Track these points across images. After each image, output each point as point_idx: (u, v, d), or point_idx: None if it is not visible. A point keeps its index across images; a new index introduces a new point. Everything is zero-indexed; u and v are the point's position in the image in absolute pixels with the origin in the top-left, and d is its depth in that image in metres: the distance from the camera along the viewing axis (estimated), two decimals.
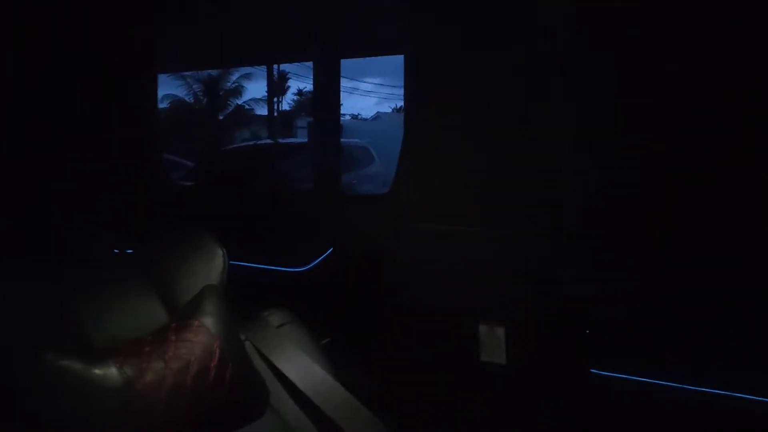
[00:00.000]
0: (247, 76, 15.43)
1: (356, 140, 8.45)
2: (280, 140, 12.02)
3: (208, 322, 1.29)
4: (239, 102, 15.62)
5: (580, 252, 1.63)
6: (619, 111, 1.63)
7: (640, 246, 1.61)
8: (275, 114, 16.01)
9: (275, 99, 15.83)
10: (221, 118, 15.53)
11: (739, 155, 1.50)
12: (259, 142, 11.45)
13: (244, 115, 15.64)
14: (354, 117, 17.87)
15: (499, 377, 1.56)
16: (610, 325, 1.60)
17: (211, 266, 1.46)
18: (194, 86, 14.95)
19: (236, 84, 15.49)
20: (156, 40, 2.44)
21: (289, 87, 18.36)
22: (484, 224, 1.58)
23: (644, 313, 1.59)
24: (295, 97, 19.65)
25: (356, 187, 6.87)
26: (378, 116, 18.84)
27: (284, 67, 16.09)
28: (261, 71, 15.06)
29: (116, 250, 1.99)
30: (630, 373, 1.55)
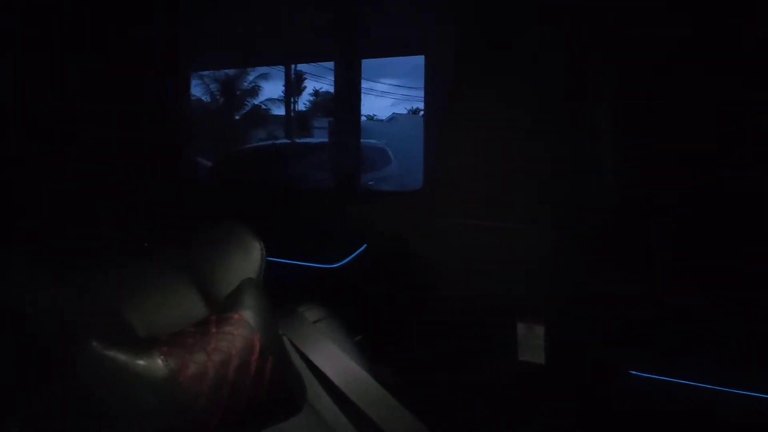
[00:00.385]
0: (264, 76, 15.50)
1: (374, 141, 8.46)
2: (303, 140, 12.04)
3: (248, 315, 1.29)
4: (256, 102, 15.70)
5: (618, 250, 1.61)
6: (655, 111, 1.61)
7: (677, 245, 1.59)
8: (292, 114, 16.06)
9: (292, 99, 15.87)
10: (238, 117, 15.60)
11: None
12: (279, 141, 11.50)
13: (261, 115, 15.70)
14: (370, 118, 17.88)
15: (538, 377, 1.54)
16: (649, 325, 1.57)
17: (250, 260, 1.45)
18: (211, 86, 15.03)
19: (253, 84, 15.55)
20: (188, 40, 2.45)
21: (305, 87, 18.40)
22: (523, 221, 1.56)
23: (683, 313, 1.57)
24: (312, 98, 19.68)
25: (374, 188, 6.86)
26: (393, 117, 18.85)
27: (300, 67, 16.14)
28: (277, 71, 15.13)
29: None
30: (669, 374, 1.52)
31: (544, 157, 1.57)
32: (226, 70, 14.41)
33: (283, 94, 15.84)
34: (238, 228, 1.51)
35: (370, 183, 6.96)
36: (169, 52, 2.39)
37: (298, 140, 11.53)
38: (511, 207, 1.59)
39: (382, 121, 18.79)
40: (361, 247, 1.93)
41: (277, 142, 11.03)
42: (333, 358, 1.48)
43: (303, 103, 18.85)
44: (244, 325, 1.26)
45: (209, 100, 14.87)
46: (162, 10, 2.31)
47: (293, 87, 16.20)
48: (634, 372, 1.55)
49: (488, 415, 1.58)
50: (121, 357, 1.07)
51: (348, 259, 1.94)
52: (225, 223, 1.53)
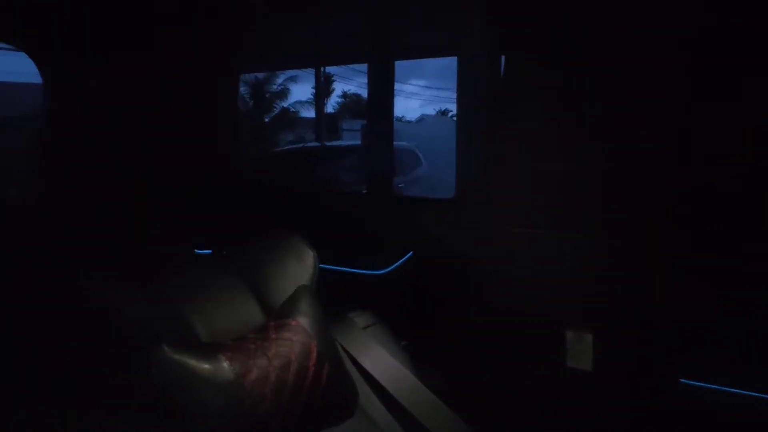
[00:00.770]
0: (293, 79, 15.66)
1: (404, 143, 8.52)
2: (334, 143, 12.12)
3: (305, 321, 1.33)
4: (285, 104, 15.87)
5: (668, 257, 1.61)
6: (704, 117, 1.60)
7: (729, 250, 1.58)
8: (323, 116, 16.19)
9: (323, 101, 16.00)
10: (267, 120, 15.77)
11: None
12: (309, 144, 11.61)
13: (290, 118, 15.87)
14: (399, 119, 17.93)
15: (586, 384, 1.55)
16: (701, 333, 1.57)
17: (303, 267, 1.49)
18: (241, 89, 15.20)
19: (282, 86, 15.71)
20: (238, 44, 2.50)
21: (334, 89, 18.53)
22: (571, 228, 1.57)
23: (736, 320, 1.56)
24: (341, 100, 19.80)
25: (405, 190, 6.90)
26: (422, 119, 18.90)
27: (328, 69, 16.26)
28: (306, 74, 15.29)
29: (204, 251, 2.06)
30: (722, 383, 1.51)
31: (592, 162, 1.58)
32: (256, 74, 14.56)
33: (312, 97, 15.98)
34: (292, 236, 1.55)
35: (400, 185, 7.00)
36: (220, 54, 2.44)
37: (328, 143, 11.62)
38: (559, 213, 1.60)
39: (411, 122, 18.85)
40: (404, 254, 1.96)
41: (306, 145, 11.14)
42: (383, 362, 1.51)
43: (332, 105, 18.96)
44: (302, 331, 1.30)
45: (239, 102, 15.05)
46: (213, 12, 2.36)
47: (322, 89, 16.32)
48: (684, 380, 1.55)
49: (535, 419, 1.59)
50: (191, 361, 1.12)
51: (394, 266, 1.97)
52: (278, 230, 1.57)
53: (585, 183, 1.58)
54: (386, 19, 4.25)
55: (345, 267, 2.05)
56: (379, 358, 1.52)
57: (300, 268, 1.49)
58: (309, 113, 16.17)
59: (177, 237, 1.95)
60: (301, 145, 11.33)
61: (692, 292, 1.58)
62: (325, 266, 2.03)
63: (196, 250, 2.11)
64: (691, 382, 1.54)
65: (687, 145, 1.62)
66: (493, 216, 1.70)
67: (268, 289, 1.45)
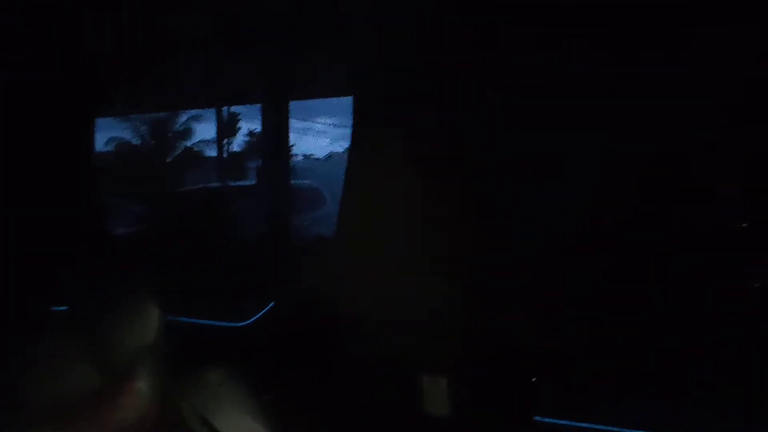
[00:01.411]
0: (196, 118, 15.33)
1: (307, 182, 8.53)
2: (230, 183, 11.95)
3: (144, 385, 1.26)
4: (188, 144, 15.46)
5: (521, 298, 1.66)
6: (553, 153, 1.68)
7: (583, 289, 1.65)
8: (225, 156, 15.90)
9: (225, 141, 15.74)
10: (169, 160, 15.31)
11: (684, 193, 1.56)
12: (207, 185, 11.38)
13: (192, 158, 15.47)
14: (307, 157, 17.90)
15: (443, 428, 1.56)
16: (554, 371, 1.62)
17: (147, 326, 1.42)
18: (141, 128, 14.72)
19: (185, 126, 15.34)
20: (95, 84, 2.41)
21: (240, 128, 18.29)
22: (425, 274, 1.60)
23: (588, 357, 1.62)
24: (248, 139, 19.57)
25: (307, 229, 6.87)
26: (330, 156, 18.97)
27: (235, 108, 16.05)
28: (210, 113, 15.02)
29: (54, 308, 1.92)
30: (575, 419, 1.56)
31: (444, 209, 1.62)
32: (158, 113, 14.17)
33: (216, 136, 15.68)
34: (136, 292, 1.48)
35: (304, 224, 6.97)
36: (75, 95, 2.34)
37: (231, 183, 11.43)
38: (415, 261, 1.62)
39: (319, 159, 18.84)
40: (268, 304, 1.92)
41: (207, 185, 10.91)
42: (236, 420, 1.45)
43: (238, 144, 18.68)
44: (139, 394, 1.24)
45: (139, 142, 14.55)
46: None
47: (227, 129, 16.08)
48: (538, 418, 1.59)
49: None
50: None
51: (255, 317, 1.92)
52: (120, 286, 1.50)
53: (442, 229, 1.62)
54: (278, 61, 4.25)
55: (206, 319, 1.98)
56: (233, 418, 1.46)
57: (143, 327, 1.42)
58: (214, 152, 15.82)
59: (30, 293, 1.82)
60: (200, 185, 11.09)
61: (552, 330, 1.64)
62: (182, 319, 1.97)
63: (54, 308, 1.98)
64: (546, 419, 1.59)
65: (538, 185, 1.69)
66: (354, 265, 1.70)
67: (107, 351, 1.37)
